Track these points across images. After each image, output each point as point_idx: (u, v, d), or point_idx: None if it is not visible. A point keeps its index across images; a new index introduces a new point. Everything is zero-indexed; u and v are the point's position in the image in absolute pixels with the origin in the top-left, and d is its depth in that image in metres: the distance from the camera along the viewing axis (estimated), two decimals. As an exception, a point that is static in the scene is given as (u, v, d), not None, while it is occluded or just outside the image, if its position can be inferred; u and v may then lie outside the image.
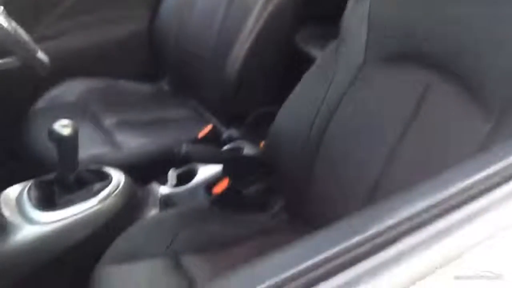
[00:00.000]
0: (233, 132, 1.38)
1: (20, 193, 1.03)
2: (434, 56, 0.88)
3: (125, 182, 1.08)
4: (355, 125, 0.97)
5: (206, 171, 1.22)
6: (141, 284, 0.93)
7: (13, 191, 1.05)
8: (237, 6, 1.39)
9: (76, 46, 1.53)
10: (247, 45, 1.34)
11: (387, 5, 0.98)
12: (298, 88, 1.07)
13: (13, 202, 1.02)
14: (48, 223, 0.99)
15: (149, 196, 1.20)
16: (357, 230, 0.53)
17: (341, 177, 0.98)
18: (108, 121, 1.39)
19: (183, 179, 1.23)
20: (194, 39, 1.48)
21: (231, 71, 1.35)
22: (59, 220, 0.99)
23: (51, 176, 1.07)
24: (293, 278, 0.48)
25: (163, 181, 1.23)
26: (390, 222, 0.54)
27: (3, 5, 1.10)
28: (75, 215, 1.00)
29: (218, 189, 1.15)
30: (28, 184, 1.05)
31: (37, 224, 0.98)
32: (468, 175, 0.57)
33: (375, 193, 0.91)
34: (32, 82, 1.34)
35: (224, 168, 1.11)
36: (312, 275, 0.48)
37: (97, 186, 1.05)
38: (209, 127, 1.37)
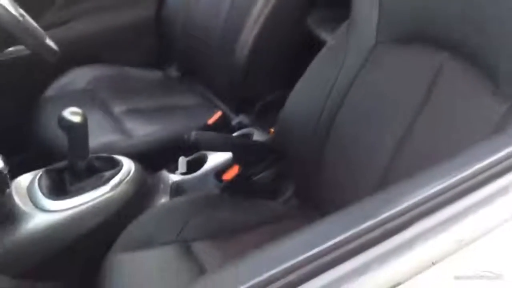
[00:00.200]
0: (242, 118, 1.37)
1: (31, 182, 1.04)
2: (446, 37, 0.86)
3: (135, 170, 1.08)
4: (366, 108, 0.96)
5: (216, 158, 1.22)
6: (152, 271, 0.93)
7: (24, 179, 1.05)
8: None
9: (84, 33, 1.53)
10: (255, 30, 1.32)
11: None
12: (308, 72, 1.06)
13: (24, 191, 1.02)
14: (59, 211, 0.99)
15: (160, 184, 1.20)
16: (368, 215, 0.52)
17: (352, 162, 0.97)
18: (118, 108, 1.39)
19: (193, 166, 1.23)
20: (202, 24, 1.46)
21: (239, 56, 1.33)
22: (70, 208, 1.00)
23: (62, 164, 1.07)
24: (301, 264, 0.47)
25: (173, 169, 1.23)
26: (401, 207, 0.53)
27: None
28: (86, 202, 1.01)
29: (228, 176, 1.14)
30: (39, 172, 1.06)
31: (49, 212, 0.99)
32: (481, 158, 0.56)
33: (386, 178, 0.90)
34: (41, 70, 1.34)
35: (234, 155, 1.11)
36: (321, 261, 0.48)
37: (108, 173, 1.05)
38: (218, 114, 1.36)
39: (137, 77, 1.56)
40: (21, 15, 1.06)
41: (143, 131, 1.32)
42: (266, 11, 1.32)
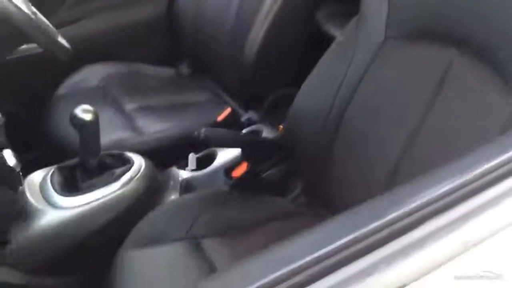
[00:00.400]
0: (252, 115, 1.37)
1: (44, 179, 1.05)
2: (454, 33, 0.86)
3: (146, 167, 1.09)
4: (375, 104, 0.96)
5: (225, 155, 1.22)
6: (162, 268, 0.94)
7: (36, 176, 1.07)
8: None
9: (95, 31, 1.53)
10: (265, 26, 1.32)
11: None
12: (317, 69, 1.06)
13: (37, 188, 1.04)
14: (71, 208, 1.01)
15: (170, 180, 1.21)
16: (375, 216, 0.52)
17: (361, 158, 0.97)
18: (129, 106, 1.40)
19: (203, 163, 1.23)
20: (212, 21, 1.46)
21: (248, 53, 1.33)
22: (81, 205, 1.01)
23: (73, 161, 1.08)
24: (308, 265, 0.48)
25: (183, 165, 1.24)
26: (408, 208, 0.53)
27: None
28: (97, 199, 1.02)
29: (237, 173, 1.15)
30: (51, 169, 1.07)
31: (61, 208, 1.00)
32: (488, 159, 0.56)
33: (395, 174, 0.90)
34: (53, 68, 1.35)
35: (243, 152, 1.11)
36: (328, 262, 0.48)
37: (118, 170, 1.06)
38: (228, 110, 1.37)
39: (149, 74, 1.57)
40: (33, 13, 1.07)
41: (154, 128, 1.33)
42: (276, 7, 1.31)
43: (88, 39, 1.49)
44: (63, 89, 1.46)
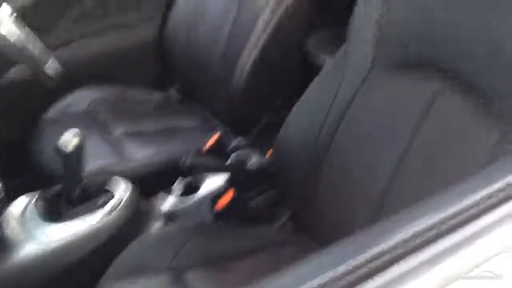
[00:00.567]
0: (241, 140, 1.36)
1: (26, 206, 1.03)
2: (443, 62, 0.86)
3: (130, 195, 1.07)
4: (363, 131, 0.95)
5: (211, 183, 1.20)
6: (144, 300, 0.91)
7: (19, 203, 1.05)
8: (246, 13, 1.37)
9: (85, 54, 1.53)
10: (255, 52, 1.32)
11: (395, 8, 0.95)
12: (305, 95, 1.06)
13: (19, 216, 1.02)
14: (52, 239, 0.98)
15: (154, 209, 1.18)
16: (362, 249, 0.51)
17: (348, 186, 0.96)
18: (117, 130, 1.39)
19: (190, 188, 1.22)
20: (203, 46, 1.47)
21: (239, 78, 1.33)
22: (63, 236, 0.99)
23: (57, 187, 1.06)
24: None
25: (171, 191, 1.22)
26: (392, 242, 0.51)
27: (16, 12, 1.10)
28: (79, 229, 1.00)
29: (223, 202, 1.13)
30: (35, 195, 1.05)
31: (41, 239, 0.98)
32: (474, 191, 0.55)
33: (382, 201, 0.88)
34: (43, 90, 1.34)
35: (229, 179, 1.09)
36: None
37: (101, 199, 1.04)
38: (216, 136, 1.36)
39: (139, 99, 1.56)
40: (23, 37, 1.06)
41: (142, 154, 1.32)
42: (266, 34, 1.32)
43: (79, 62, 1.49)
44: (51, 112, 1.45)
